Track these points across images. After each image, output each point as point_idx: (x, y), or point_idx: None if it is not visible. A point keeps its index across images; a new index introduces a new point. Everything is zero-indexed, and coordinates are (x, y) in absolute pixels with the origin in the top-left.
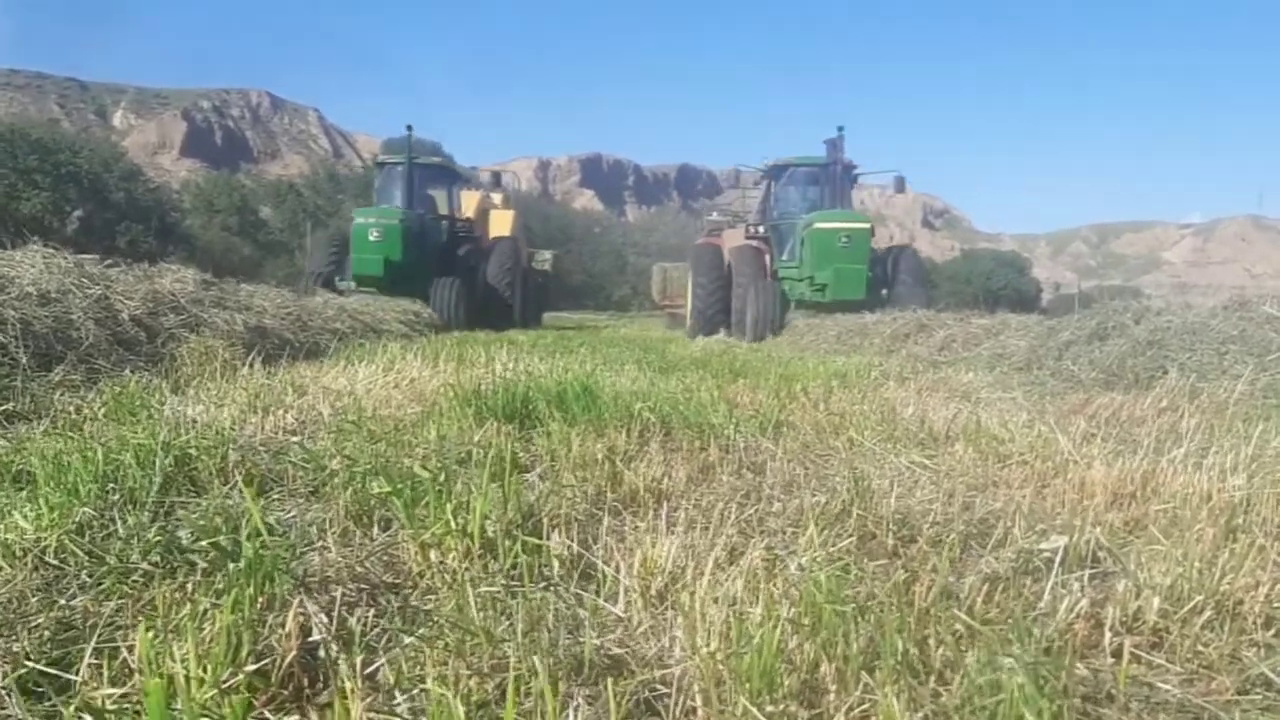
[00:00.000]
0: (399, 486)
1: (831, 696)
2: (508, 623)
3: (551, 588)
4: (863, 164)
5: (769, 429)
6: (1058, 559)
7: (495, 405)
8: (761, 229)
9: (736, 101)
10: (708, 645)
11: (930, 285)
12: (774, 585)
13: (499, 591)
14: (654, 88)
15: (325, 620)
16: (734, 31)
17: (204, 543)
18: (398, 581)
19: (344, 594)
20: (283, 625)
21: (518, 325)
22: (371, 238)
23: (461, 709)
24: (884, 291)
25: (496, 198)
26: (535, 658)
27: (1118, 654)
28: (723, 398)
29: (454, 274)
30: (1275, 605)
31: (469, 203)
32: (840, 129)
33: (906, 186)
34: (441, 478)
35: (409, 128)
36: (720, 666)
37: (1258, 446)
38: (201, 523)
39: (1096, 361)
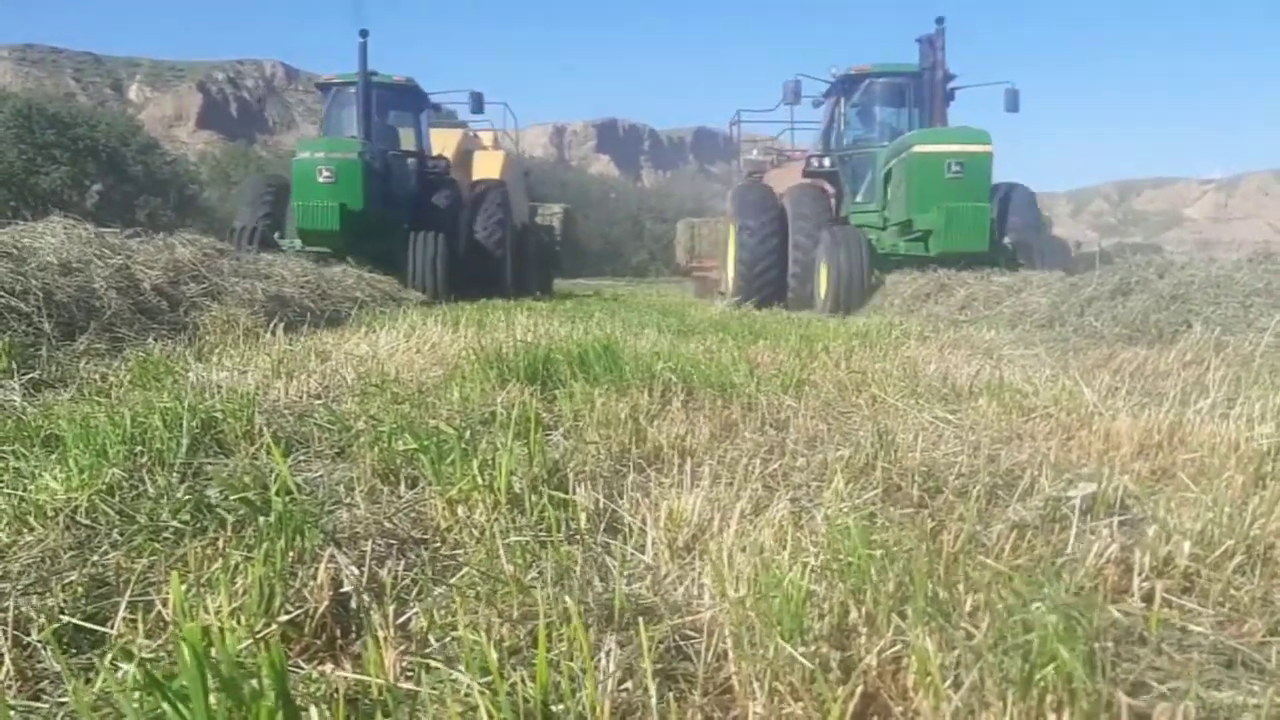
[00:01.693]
0: (425, 443)
1: (862, 639)
2: (537, 572)
3: (579, 538)
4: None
5: (791, 387)
6: (1084, 506)
7: (517, 367)
8: (827, 162)
9: (752, 64)
10: (736, 591)
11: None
12: (801, 534)
13: (527, 542)
14: (669, 50)
15: (356, 572)
16: None
17: (233, 499)
18: (425, 536)
19: (373, 548)
20: (314, 577)
21: (509, 293)
22: (321, 178)
23: (494, 655)
24: (1006, 241)
25: (486, 138)
26: (567, 600)
27: (1148, 598)
28: (743, 358)
29: (431, 228)
30: None
31: (448, 142)
32: (940, 21)
33: (1019, 104)
34: (467, 435)
35: (363, 33)
36: (749, 611)
37: None
38: (230, 481)
39: (1119, 317)
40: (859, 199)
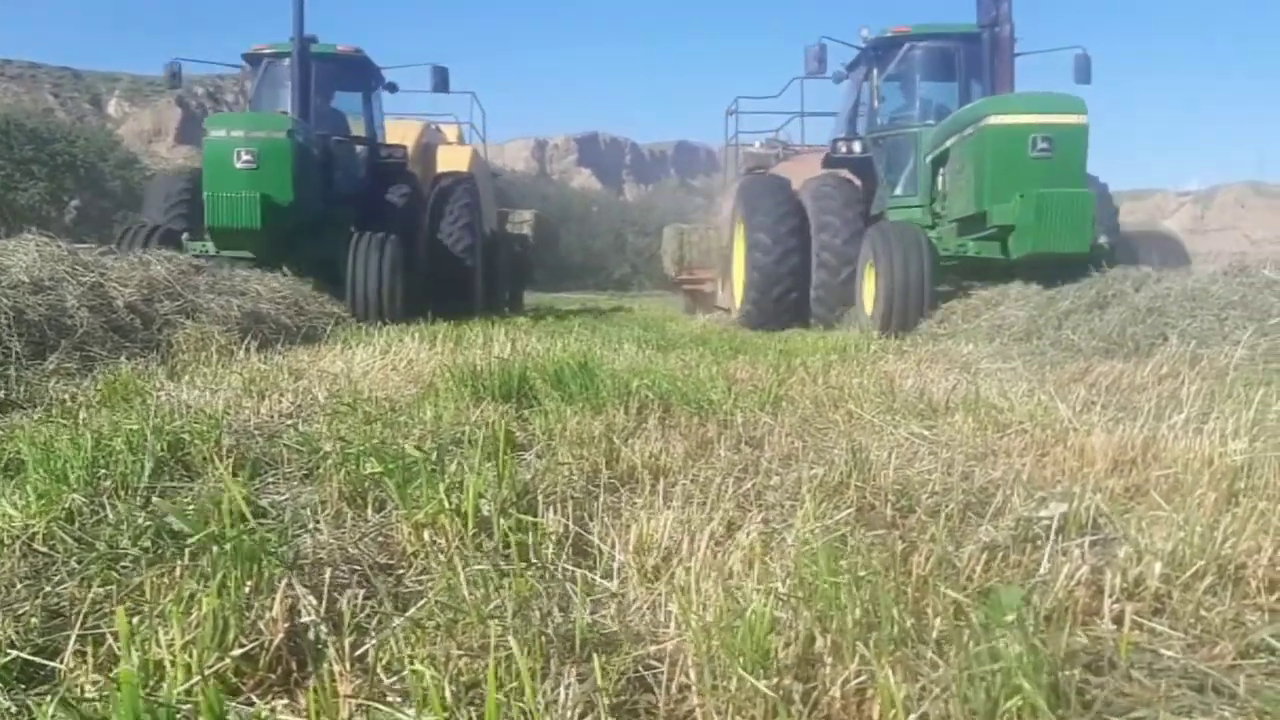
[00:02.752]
0: (391, 466)
1: (827, 669)
2: (500, 600)
3: (545, 565)
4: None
5: (767, 404)
6: (1056, 526)
7: (492, 385)
8: (856, 147)
9: (734, 77)
10: (701, 620)
11: None
12: (770, 558)
13: (489, 570)
14: (650, 62)
15: (314, 602)
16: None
17: (188, 527)
18: (391, 562)
19: (336, 576)
20: (270, 608)
21: (478, 308)
22: (239, 163)
23: (450, 689)
24: (1102, 240)
25: (449, 132)
26: (514, 638)
27: (1119, 620)
28: (721, 374)
29: (382, 227)
30: (1277, 569)
31: (405, 135)
32: None
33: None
34: (434, 457)
35: None
36: (714, 641)
37: (1259, 411)
38: (181, 509)
39: (1096, 330)
40: (898, 191)
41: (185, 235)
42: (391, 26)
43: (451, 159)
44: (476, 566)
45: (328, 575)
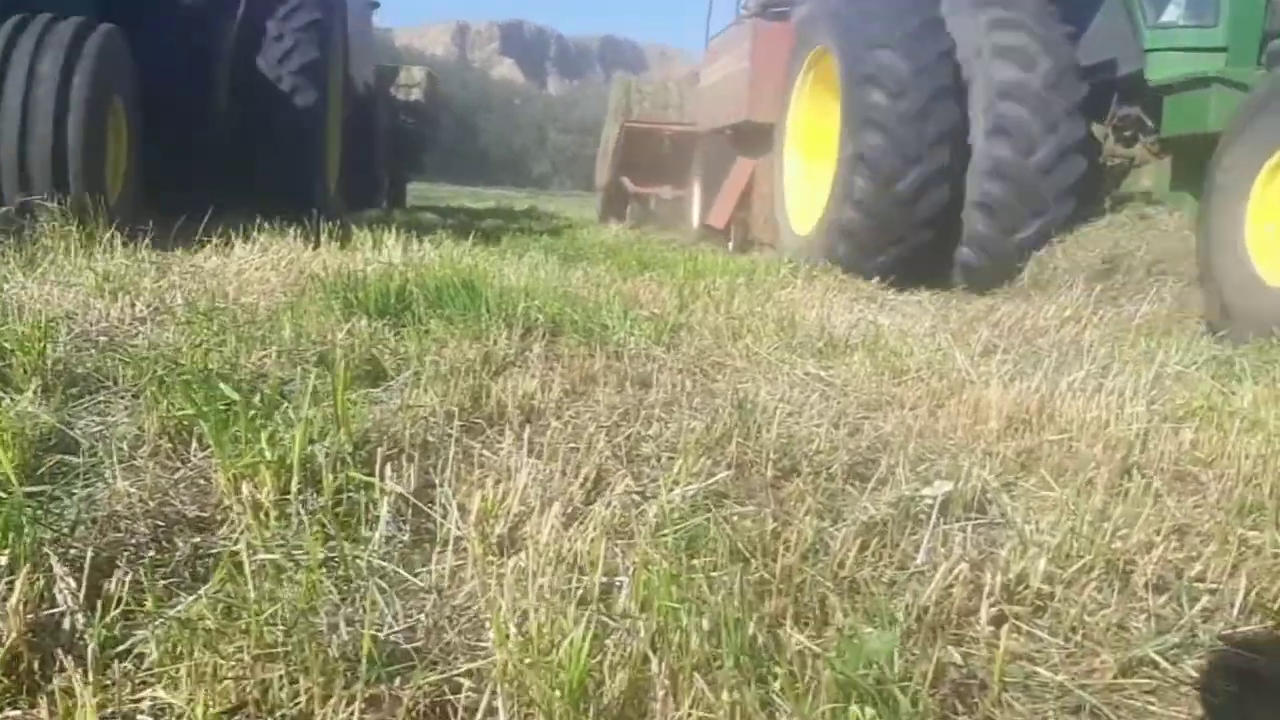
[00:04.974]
0: (205, 409)
1: (658, 705)
2: (282, 603)
3: (361, 545)
4: None
5: (664, 334)
6: (939, 504)
7: (367, 299)
8: None
9: None
10: (520, 636)
11: None
12: (619, 544)
13: (281, 560)
14: None
15: (73, 585)
16: None
17: None
18: (205, 515)
19: (131, 537)
20: (11, 594)
21: (324, 203)
22: None
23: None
24: None
25: None
26: (283, 658)
27: (997, 622)
28: (622, 293)
29: (143, 43)
30: (1167, 564)
31: None
32: None
33: None
34: (260, 397)
35: None
36: (526, 662)
37: (1160, 366)
38: None
39: None
40: (1166, 16)
41: None
42: None
43: None
44: (264, 556)
45: (90, 552)
